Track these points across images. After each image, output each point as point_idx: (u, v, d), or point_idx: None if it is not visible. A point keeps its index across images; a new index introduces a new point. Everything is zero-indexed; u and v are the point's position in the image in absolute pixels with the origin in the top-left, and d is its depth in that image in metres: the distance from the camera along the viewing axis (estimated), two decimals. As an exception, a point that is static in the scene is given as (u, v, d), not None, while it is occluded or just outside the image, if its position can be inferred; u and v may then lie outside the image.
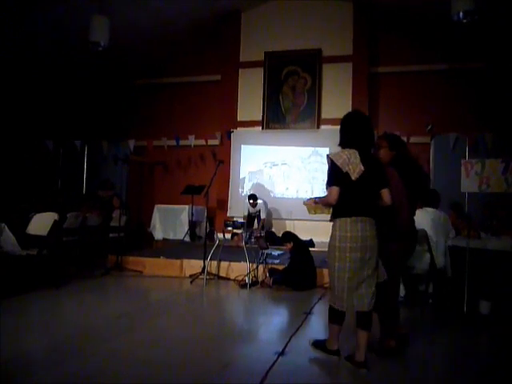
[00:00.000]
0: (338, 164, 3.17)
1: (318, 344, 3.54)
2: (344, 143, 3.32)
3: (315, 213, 3.66)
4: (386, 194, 3.25)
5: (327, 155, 3.35)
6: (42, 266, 5.73)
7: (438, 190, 6.97)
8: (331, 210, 3.32)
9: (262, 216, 9.57)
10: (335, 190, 3.17)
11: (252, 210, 9.50)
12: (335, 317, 3.37)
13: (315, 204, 3.58)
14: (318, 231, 9.54)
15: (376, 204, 3.26)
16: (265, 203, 9.76)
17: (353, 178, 3.15)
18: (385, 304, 3.46)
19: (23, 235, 5.62)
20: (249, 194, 9.69)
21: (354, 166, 3.15)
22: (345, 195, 3.16)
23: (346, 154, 3.20)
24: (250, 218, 9.48)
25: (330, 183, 3.22)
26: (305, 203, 3.69)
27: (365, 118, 3.45)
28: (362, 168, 3.15)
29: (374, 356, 3.51)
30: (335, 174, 3.19)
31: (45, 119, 10.21)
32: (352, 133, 3.31)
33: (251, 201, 9.40)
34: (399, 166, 3.48)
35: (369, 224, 3.19)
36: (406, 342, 3.75)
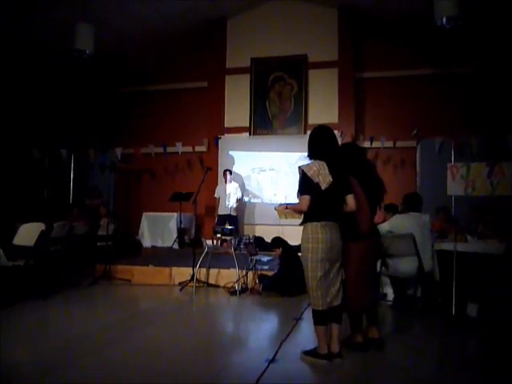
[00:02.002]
0: (309, 175, 3.46)
1: (308, 352, 3.62)
2: (313, 155, 3.62)
3: (286, 218, 3.97)
4: (350, 199, 3.56)
5: (299, 167, 3.57)
6: (29, 277, 5.66)
7: (424, 193, 7.06)
8: (302, 215, 3.58)
9: (238, 195, 9.60)
10: (306, 198, 3.47)
11: (228, 188, 9.49)
12: (319, 318, 3.53)
13: (286, 210, 3.86)
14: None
15: (341, 210, 3.57)
16: (241, 182, 9.86)
17: (322, 187, 3.44)
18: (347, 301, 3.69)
19: (9, 246, 5.55)
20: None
21: (323, 176, 3.45)
22: (315, 203, 3.47)
23: (316, 165, 3.50)
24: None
25: (301, 192, 3.52)
26: (276, 209, 3.95)
27: (330, 132, 3.71)
28: (331, 179, 3.46)
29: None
30: (306, 184, 3.48)
31: (30, 128, 10.11)
32: (320, 146, 3.61)
33: (227, 176, 9.48)
34: (358, 173, 3.75)
35: (335, 228, 3.52)
36: (379, 347, 3.85)
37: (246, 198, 10.35)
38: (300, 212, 3.58)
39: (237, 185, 9.59)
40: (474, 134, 8.69)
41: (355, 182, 3.69)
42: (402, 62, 9.86)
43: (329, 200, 3.49)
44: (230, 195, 9.42)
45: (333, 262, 3.53)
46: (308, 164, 3.55)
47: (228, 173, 9.50)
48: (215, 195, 9.62)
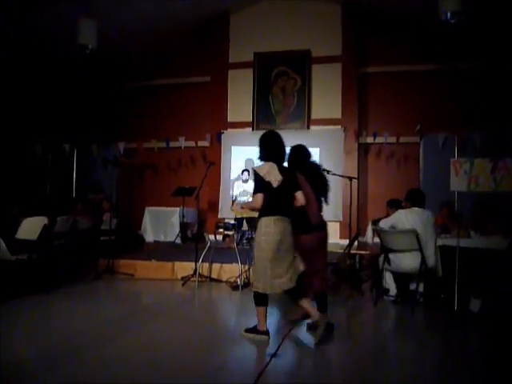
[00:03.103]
0: (261, 175, 3.87)
1: (249, 330, 4.04)
2: (264, 158, 4.01)
3: (241, 215, 4.37)
4: (299, 195, 3.96)
5: (252, 168, 4.01)
6: (33, 271, 5.68)
7: (427, 189, 7.04)
8: (257, 211, 3.98)
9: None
10: (260, 196, 3.86)
11: (245, 187, 9.35)
12: (260, 300, 3.97)
13: (242, 208, 4.32)
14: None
15: (292, 206, 3.96)
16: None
17: (274, 185, 3.85)
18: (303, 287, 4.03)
19: (13, 240, 5.56)
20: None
21: (274, 175, 3.87)
22: (268, 200, 3.86)
23: (267, 166, 3.91)
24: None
25: (255, 191, 3.91)
26: (232, 209, 4.32)
27: (278, 136, 4.11)
28: (281, 177, 3.87)
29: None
30: (260, 183, 3.88)
31: (33, 123, 10.11)
32: (269, 149, 4.02)
33: (245, 175, 9.33)
34: (306, 172, 4.20)
35: (286, 222, 3.90)
36: (330, 330, 4.15)
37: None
38: (254, 209, 3.97)
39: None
40: (478, 130, 8.66)
41: (303, 179, 4.09)
42: (405, 58, 9.81)
43: (280, 197, 3.89)
44: (246, 194, 9.36)
45: (283, 253, 3.87)
46: (260, 165, 3.96)
47: (247, 173, 9.42)
48: (233, 193, 9.51)
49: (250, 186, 9.26)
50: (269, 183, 3.85)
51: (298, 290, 3.93)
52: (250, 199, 8.76)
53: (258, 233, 3.91)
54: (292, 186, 3.96)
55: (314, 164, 4.51)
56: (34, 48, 8.86)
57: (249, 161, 10.12)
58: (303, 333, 4.16)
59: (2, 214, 6.29)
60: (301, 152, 4.40)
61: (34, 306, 5.17)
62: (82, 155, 10.49)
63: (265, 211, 3.89)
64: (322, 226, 4.27)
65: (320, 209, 4.27)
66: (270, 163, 3.92)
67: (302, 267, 3.97)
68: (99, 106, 11.16)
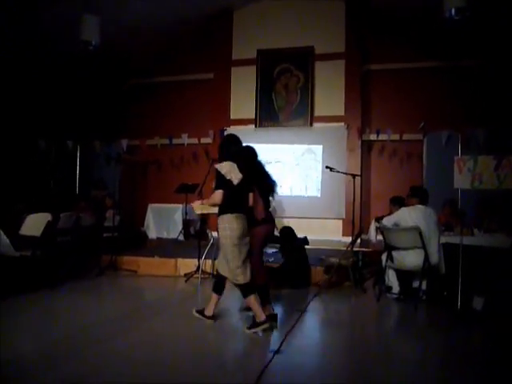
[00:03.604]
0: (223, 172, 4.11)
1: (199, 311, 4.40)
2: (224, 158, 4.26)
3: (202, 211, 4.66)
4: (250, 197, 4.33)
5: (215, 166, 4.23)
6: (36, 267, 5.69)
7: (430, 186, 7.03)
8: (218, 207, 4.20)
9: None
10: (220, 193, 4.12)
11: None
12: (219, 288, 4.30)
13: (202, 204, 4.52)
14: (312, 229, 9.59)
15: (247, 203, 4.30)
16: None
17: (234, 183, 4.11)
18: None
19: (17, 236, 5.58)
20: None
21: (234, 174, 4.13)
22: (228, 196, 4.12)
23: (228, 165, 4.16)
24: None
25: (216, 187, 4.15)
26: (192, 206, 4.59)
27: (238, 139, 4.45)
28: (241, 175, 4.13)
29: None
30: (221, 181, 4.13)
31: (36, 119, 10.13)
32: (229, 150, 4.30)
33: None
34: (254, 172, 4.44)
35: (243, 218, 4.16)
36: (275, 320, 4.34)
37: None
38: (214, 205, 4.20)
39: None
40: (482, 127, 8.64)
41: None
42: (408, 55, 9.79)
43: (239, 194, 4.19)
44: None
45: (243, 246, 4.16)
46: (222, 164, 4.19)
47: None
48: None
49: None
50: (230, 181, 4.11)
51: (247, 288, 4.15)
52: None
53: (224, 228, 4.12)
54: (249, 185, 4.29)
55: (260, 165, 4.71)
56: (37, 46, 8.87)
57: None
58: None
59: (6, 211, 6.30)
60: (249, 152, 4.64)
61: (37, 301, 5.19)
62: (85, 152, 10.50)
63: (225, 208, 4.13)
64: (269, 220, 4.56)
65: (267, 206, 4.55)
66: (231, 162, 4.19)
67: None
68: (102, 103, 11.17)
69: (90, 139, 10.57)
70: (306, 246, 6.94)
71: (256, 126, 10.38)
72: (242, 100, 10.52)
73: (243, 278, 4.11)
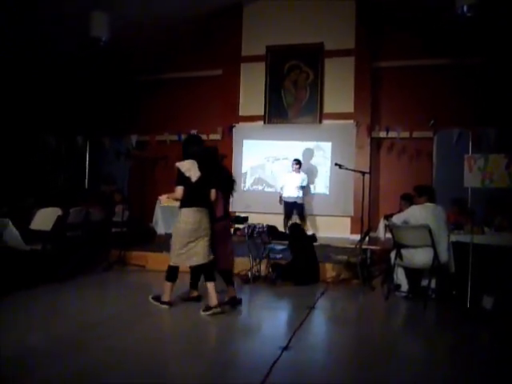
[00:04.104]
0: (183, 170, 4.53)
1: (155, 297, 4.81)
2: (186, 156, 4.65)
3: (167, 204, 5.10)
4: (212, 193, 4.68)
5: (175, 164, 4.64)
6: (46, 261, 5.74)
7: (440, 185, 6.99)
8: (179, 202, 4.63)
9: (304, 184, 9.28)
10: (180, 188, 4.54)
11: (296, 177, 9.26)
12: (172, 276, 4.72)
13: (167, 198, 4.97)
14: (320, 226, 9.58)
15: (209, 199, 4.66)
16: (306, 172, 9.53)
17: (193, 180, 4.51)
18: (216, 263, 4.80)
19: (27, 230, 5.62)
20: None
21: (193, 172, 4.52)
22: (187, 192, 4.52)
23: (188, 163, 4.57)
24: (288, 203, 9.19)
25: (177, 184, 4.56)
26: (159, 198, 4.98)
27: (199, 139, 4.96)
28: (199, 173, 4.53)
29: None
30: (180, 177, 4.53)
31: (47, 115, 10.19)
32: (191, 149, 4.69)
33: (295, 166, 9.24)
34: (215, 171, 4.81)
35: (204, 212, 4.61)
36: (237, 303, 4.91)
37: (260, 187, 10.38)
38: (176, 199, 4.63)
39: (305, 176, 9.36)
40: (493, 125, 8.56)
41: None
42: (419, 52, 9.70)
43: (198, 190, 4.56)
44: (296, 184, 9.24)
45: (198, 237, 4.59)
46: (182, 162, 4.59)
47: (295, 162, 9.26)
48: (280, 184, 9.42)
49: (300, 177, 9.25)
50: (188, 178, 4.52)
51: (208, 274, 4.68)
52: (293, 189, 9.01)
53: (179, 220, 4.64)
54: (209, 183, 4.65)
55: (222, 167, 5.24)
56: (46, 43, 8.90)
57: (307, 151, 10.16)
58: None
59: (17, 205, 6.36)
60: (210, 153, 5.04)
61: (46, 295, 5.23)
62: (94, 148, 10.55)
63: (185, 202, 4.58)
64: (226, 217, 5.01)
65: (227, 203, 5.01)
66: (191, 161, 4.59)
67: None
68: (112, 99, 11.22)
69: (100, 135, 10.61)
70: (314, 244, 6.94)
71: (265, 123, 10.36)
72: (251, 96, 10.50)
73: (176, 260, 4.68)
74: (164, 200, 5.08)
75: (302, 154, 10.06)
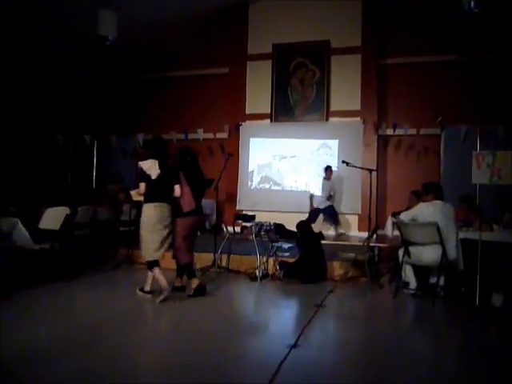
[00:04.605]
0: (144, 169, 4.94)
1: (140, 289, 5.20)
2: (148, 156, 5.04)
3: (137, 199, 5.25)
4: (176, 189, 5.04)
5: (138, 162, 5.03)
6: (55, 260, 5.78)
7: (448, 182, 6.95)
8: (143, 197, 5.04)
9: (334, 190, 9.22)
10: (143, 185, 4.94)
11: (329, 184, 9.15)
12: (150, 265, 5.02)
13: (136, 194, 5.15)
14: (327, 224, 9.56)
15: (171, 195, 5.02)
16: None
17: (153, 178, 4.91)
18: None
19: (36, 230, 5.66)
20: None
21: (154, 170, 4.93)
22: (149, 188, 4.93)
23: (149, 162, 4.96)
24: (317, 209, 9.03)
25: (140, 180, 4.96)
26: (131, 193, 5.27)
27: (162, 140, 5.46)
28: (159, 171, 4.93)
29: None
30: (142, 175, 4.94)
31: (54, 114, 10.24)
32: (151, 150, 5.14)
33: (328, 172, 9.16)
34: (187, 169, 5.27)
35: (165, 207, 4.99)
36: (203, 290, 5.28)
37: (267, 185, 10.37)
38: (141, 194, 5.01)
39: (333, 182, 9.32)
40: (501, 122, 8.50)
41: (182, 175, 5.15)
42: (426, 48, 9.64)
43: (159, 187, 4.94)
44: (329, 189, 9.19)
45: (160, 231, 4.97)
46: (144, 161, 4.98)
47: (330, 169, 9.19)
48: (328, 193, 9.16)
49: (332, 183, 9.24)
50: (149, 176, 4.92)
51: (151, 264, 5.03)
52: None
53: (142, 215, 5.01)
54: (171, 180, 5.03)
55: (195, 163, 5.52)
56: (56, 37, 8.93)
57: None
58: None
59: (27, 205, 6.40)
60: (184, 152, 5.50)
61: (55, 293, 5.26)
62: (101, 146, 10.59)
63: (147, 198, 4.99)
64: (196, 212, 5.25)
65: (198, 199, 5.31)
66: (153, 160, 4.98)
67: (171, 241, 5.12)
68: (119, 98, 11.25)
69: (107, 134, 10.64)
70: (322, 241, 6.93)
71: (271, 121, 10.35)
72: (258, 95, 10.49)
73: (148, 255, 5.01)
74: (134, 195, 5.20)
75: (309, 152, 10.07)
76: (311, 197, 9.20)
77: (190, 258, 5.36)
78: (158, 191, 4.96)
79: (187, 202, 5.14)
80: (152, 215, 4.93)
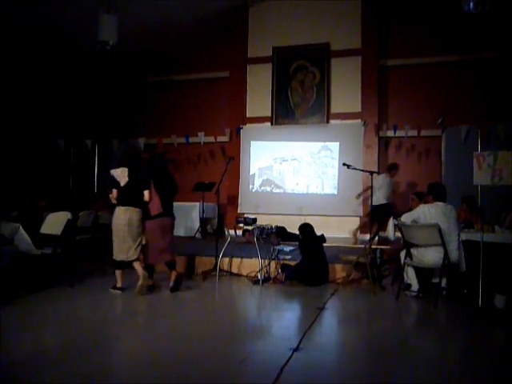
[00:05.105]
0: (115, 176, 5.47)
1: (113, 286, 5.52)
2: (119, 165, 5.53)
3: (114, 202, 5.54)
4: (145, 194, 5.53)
5: (109, 171, 5.52)
6: (57, 265, 5.79)
7: (449, 183, 6.95)
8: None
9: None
10: (115, 191, 5.43)
11: (389, 185, 8.60)
12: (118, 265, 5.50)
13: (111, 198, 5.52)
14: (328, 226, 9.54)
15: (140, 199, 5.50)
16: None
17: (121, 184, 5.43)
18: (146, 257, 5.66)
19: (37, 234, 5.67)
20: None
21: (123, 177, 5.44)
22: (119, 194, 5.43)
23: (119, 170, 5.48)
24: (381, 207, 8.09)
25: (111, 187, 5.45)
26: (110, 196, 5.53)
27: (134, 149, 6.15)
28: (127, 179, 5.44)
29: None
30: (113, 182, 5.45)
31: (56, 118, 10.27)
32: (123, 158, 5.70)
33: (393, 171, 8.72)
34: (157, 176, 5.75)
35: (135, 211, 5.46)
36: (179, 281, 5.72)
37: (268, 188, 10.38)
38: (114, 199, 5.46)
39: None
40: (502, 122, 8.49)
41: (151, 182, 5.60)
42: (426, 49, 9.66)
43: (127, 193, 5.42)
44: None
45: (130, 233, 5.41)
46: (115, 169, 5.48)
47: (394, 167, 8.84)
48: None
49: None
50: (118, 183, 5.42)
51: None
52: None
53: (114, 217, 5.48)
54: (140, 186, 5.50)
55: (165, 170, 6.07)
56: (56, 42, 8.96)
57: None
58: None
59: (29, 210, 6.42)
60: (155, 160, 6.16)
61: (57, 298, 5.26)
62: (103, 150, 10.60)
63: (118, 202, 5.46)
64: (163, 215, 5.67)
65: (167, 204, 5.76)
66: (123, 168, 5.48)
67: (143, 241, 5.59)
68: (119, 102, 11.27)
69: (108, 138, 10.66)
70: (323, 244, 6.92)
71: (272, 124, 10.37)
72: (258, 98, 10.51)
73: (118, 256, 5.44)
74: (111, 199, 5.56)
75: (310, 155, 10.08)
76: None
77: (171, 256, 5.80)
78: (128, 196, 5.44)
79: (155, 206, 5.60)
80: (121, 217, 5.41)
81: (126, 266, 5.47)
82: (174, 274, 5.66)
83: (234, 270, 6.76)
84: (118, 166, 5.51)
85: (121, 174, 5.46)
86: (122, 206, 5.44)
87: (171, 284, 5.61)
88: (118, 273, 5.54)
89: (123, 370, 3.19)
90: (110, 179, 5.49)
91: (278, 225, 8.81)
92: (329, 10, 10.09)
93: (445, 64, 9.61)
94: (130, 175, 5.45)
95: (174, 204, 9.96)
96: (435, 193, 5.47)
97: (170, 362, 3.34)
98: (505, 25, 8.58)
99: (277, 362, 3.26)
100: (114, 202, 5.51)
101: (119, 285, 5.53)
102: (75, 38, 8.83)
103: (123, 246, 5.41)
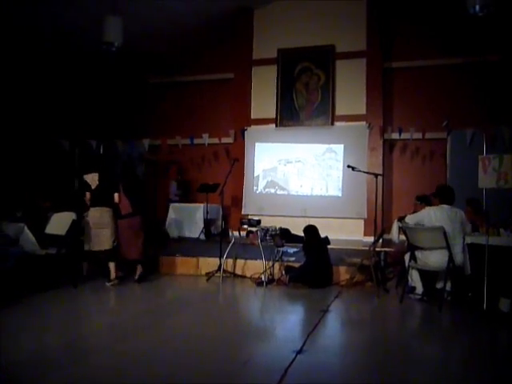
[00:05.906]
0: (88, 181, 6.19)
1: (108, 279, 6.03)
2: (90, 171, 6.30)
3: (88, 203, 6.17)
4: (115, 196, 6.26)
5: (83, 176, 6.31)
6: (61, 265, 5.80)
7: (454, 186, 6.90)
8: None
9: None
10: (88, 194, 6.14)
11: None
12: (111, 258, 6.12)
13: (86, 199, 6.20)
14: (332, 228, 9.52)
15: (111, 200, 6.21)
16: None
17: (92, 187, 6.15)
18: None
19: (42, 235, 5.69)
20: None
21: (93, 182, 6.17)
22: (91, 196, 6.13)
23: (91, 175, 6.23)
24: None
25: (85, 190, 6.17)
26: (85, 198, 6.19)
27: (101, 158, 7.24)
28: (97, 182, 6.17)
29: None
30: (85, 185, 6.19)
31: (60, 119, 10.30)
32: (96, 164, 6.20)
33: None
34: (127, 181, 6.52)
35: (105, 211, 6.17)
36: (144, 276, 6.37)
37: (272, 190, 10.38)
38: (88, 200, 6.16)
39: None
40: (507, 125, 8.45)
41: (121, 185, 6.30)
42: (431, 51, 9.63)
43: (98, 195, 6.14)
44: None
45: (101, 229, 6.12)
46: (88, 175, 6.24)
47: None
48: None
49: None
50: (89, 186, 6.15)
51: (110, 257, 6.14)
52: None
53: (88, 217, 6.14)
54: (109, 189, 6.22)
55: (135, 175, 7.15)
56: (61, 42, 8.99)
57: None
58: None
59: (31, 210, 6.47)
60: (125, 168, 7.27)
61: (61, 299, 5.28)
62: (107, 151, 10.63)
63: (90, 203, 6.16)
64: (132, 214, 6.30)
65: (136, 206, 6.35)
66: (94, 174, 6.23)
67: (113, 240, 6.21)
68: (124, 103, 11.30)
69: (113, 139, 10.68)
70: (328, 246, 6.91)
71: (277, 126, 10.37)
72: (263, 99, 10.51)
73: (95, 247, 6.11)
74: (86, 201, 6.17)
75: (314, 157, 10.08)
76: None
77: (136, 254, 6.33)
78: (99, 198, 6.14)
79: (124, 206, 6.27)
80: (92, 216, 6.12)
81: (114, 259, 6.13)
82: (138, 269, 6.33)
83: (238, 271, 6.76)
84: (89, 172, 6.29)
85: (92, 179, 6.21)
86: (94, 206, 6.13)
87: (136, 277, 6.31)
88: (111, 265, 6.11)
89: (127, 371, 3.19)
90: (82, 184, 6.26)
91: (282, 226, 8.83)
92: (334, 12, 10.07)
93: (450, 66, 9.58)
94: (100, 179, 6.21)
95: (178, 205, 10.25)
96: (442, 196, 5.46)
97: (173, 363, 3.34)
98: (509, 27, 8.54)
99: (280, 364, 3.26)
100: (88, 203, 6.15)
101: (113, 276, 6.08)
102: (79, 39, 8.86)
103: (95, 239, 6.11)
